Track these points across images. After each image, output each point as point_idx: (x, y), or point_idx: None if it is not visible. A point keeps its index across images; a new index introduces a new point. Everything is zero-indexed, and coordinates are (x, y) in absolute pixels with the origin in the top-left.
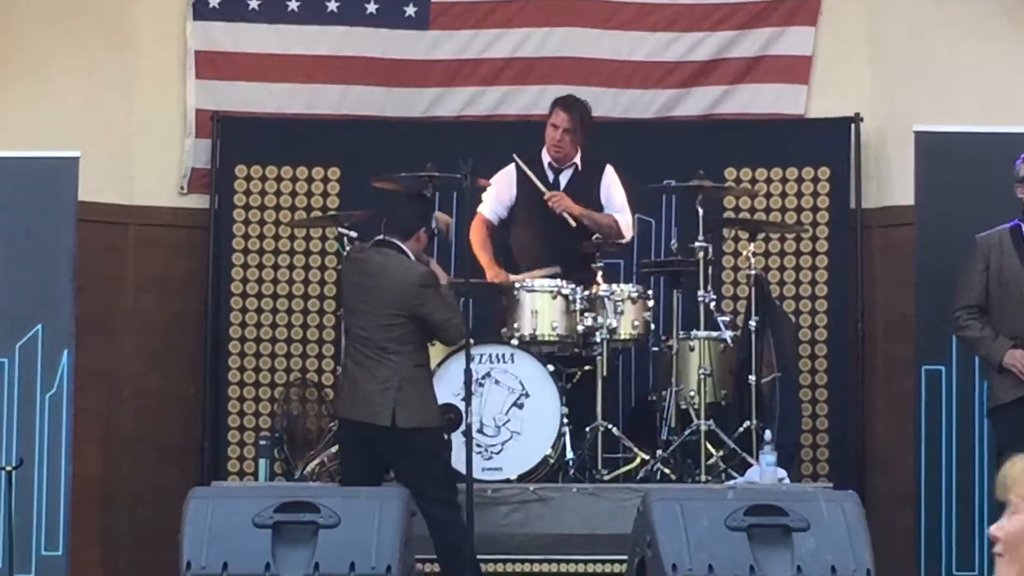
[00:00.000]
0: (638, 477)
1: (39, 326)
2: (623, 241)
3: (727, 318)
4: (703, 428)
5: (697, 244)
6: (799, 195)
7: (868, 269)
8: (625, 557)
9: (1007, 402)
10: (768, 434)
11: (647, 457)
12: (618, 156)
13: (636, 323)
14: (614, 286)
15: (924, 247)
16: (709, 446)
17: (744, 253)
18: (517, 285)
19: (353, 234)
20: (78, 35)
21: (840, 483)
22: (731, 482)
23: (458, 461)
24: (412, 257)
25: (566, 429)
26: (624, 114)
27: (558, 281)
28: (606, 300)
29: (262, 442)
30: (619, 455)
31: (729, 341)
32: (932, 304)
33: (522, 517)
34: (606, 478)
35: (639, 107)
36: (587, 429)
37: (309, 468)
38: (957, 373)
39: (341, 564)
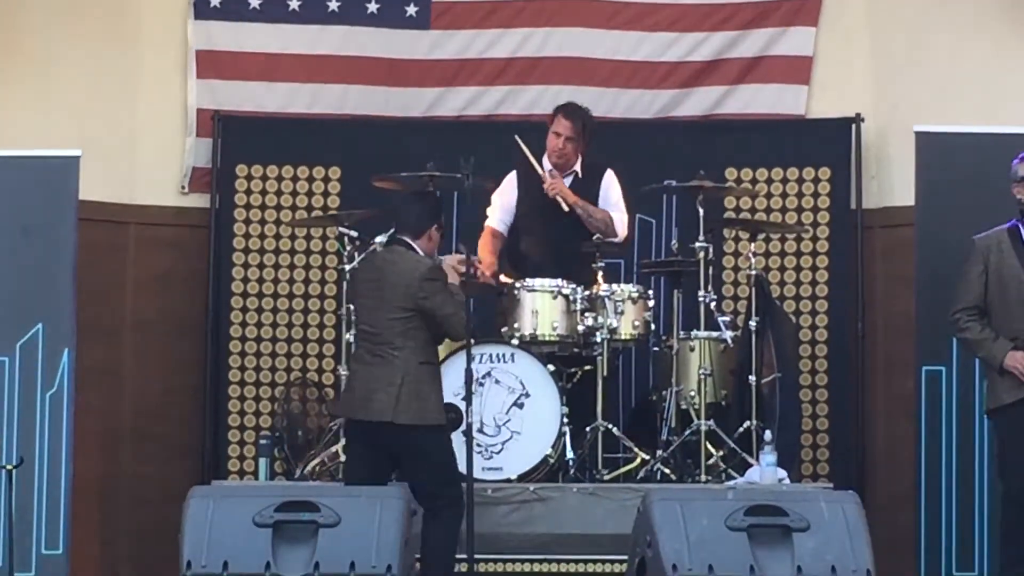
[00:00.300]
0: (638, 477)
1: (40, 325)
2: (617, 240)
3: (727, 318)
4: (703, 428)
5: (698, 244)
6: (800, 195)
7: (868, 269)
8: (625, 557)
9: (1009, 403)
10: (768, 434)
11: (647, 457)
12: (619, 156)
13: (636, 323)
14: (614, 286)
15: (924, 248)
16: (709, 446)
17: (744, 253)
18: (517, 285)
19: (353, 233)
20: (80, 34)
21: (840, 483)
22: (731, 482)
23: (458, 461)
24: (422, 255)
25: (566, 429)
26: (625, 114)
27: (558, 281)
28: (606, 300)
29: (262, 441)
30: (619, 455)
31: (729, 341)
32: (932, 304)
33: (522, 517)
34: (606, 478)
35: (640, 107)
36: (587, 429)
37: (309, 467)
38: (957, 374)
39: (341, 563)
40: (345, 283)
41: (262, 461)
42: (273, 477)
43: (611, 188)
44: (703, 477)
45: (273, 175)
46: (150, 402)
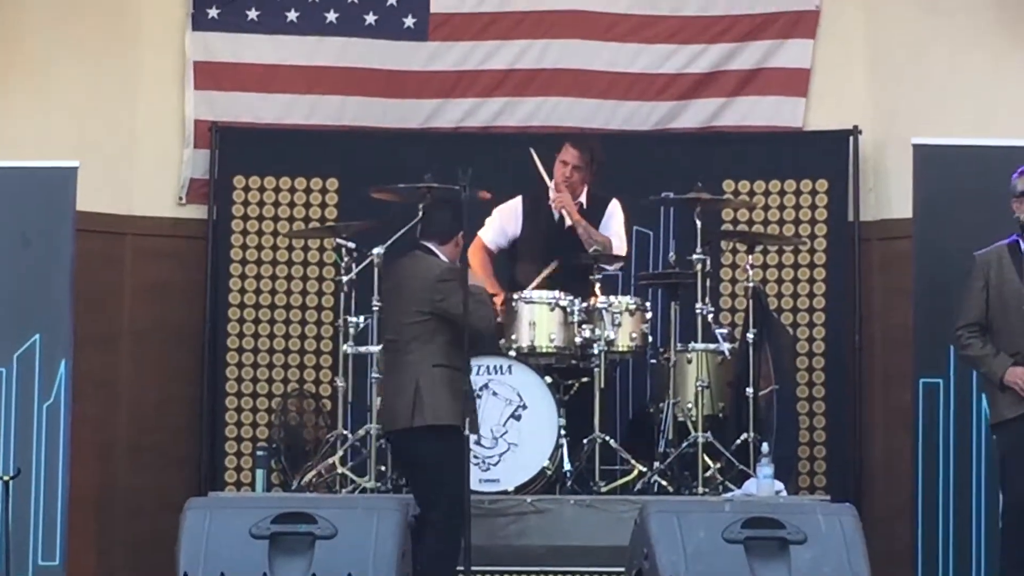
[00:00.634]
0: (635, 489)
1: (37, 336)
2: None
3: (725, 330)
4: (701, 440)
5: (695, 256)
6: (797, 207)
7: (866, 282)
8: (623, 569)
9: (1010, 418)
10: (765, 446)
11: (644, 469)
12: (616, 168)
13: (634, 335)
14: (612, 298)
15: (922, 260)
16: (707, 458)
17: (742, 265)
18: (515, 297)
19: (351, 245)
20: (78, 46)
21: (837, 495)
22: (728, 494)
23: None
24: (445, 260)
25: (564, 441)
26: (623, 126)
27: (556, 293)
28: (604, 312)
29: (259, 452)
30: (616, 467)
31: (727, 353)
32: (930, 317)
33: (519, 529)
34: (603, 490)
35: (638, 119)
36: (585, 441)
37: (306, 479)
38: (955, 386)
39: (338, 575)
40: (343, 295)
41: (259, 472)
42: (270, 488)
43: (613, 217)
44: (700, 489)
45: (271, 186)
46: (147, 413)
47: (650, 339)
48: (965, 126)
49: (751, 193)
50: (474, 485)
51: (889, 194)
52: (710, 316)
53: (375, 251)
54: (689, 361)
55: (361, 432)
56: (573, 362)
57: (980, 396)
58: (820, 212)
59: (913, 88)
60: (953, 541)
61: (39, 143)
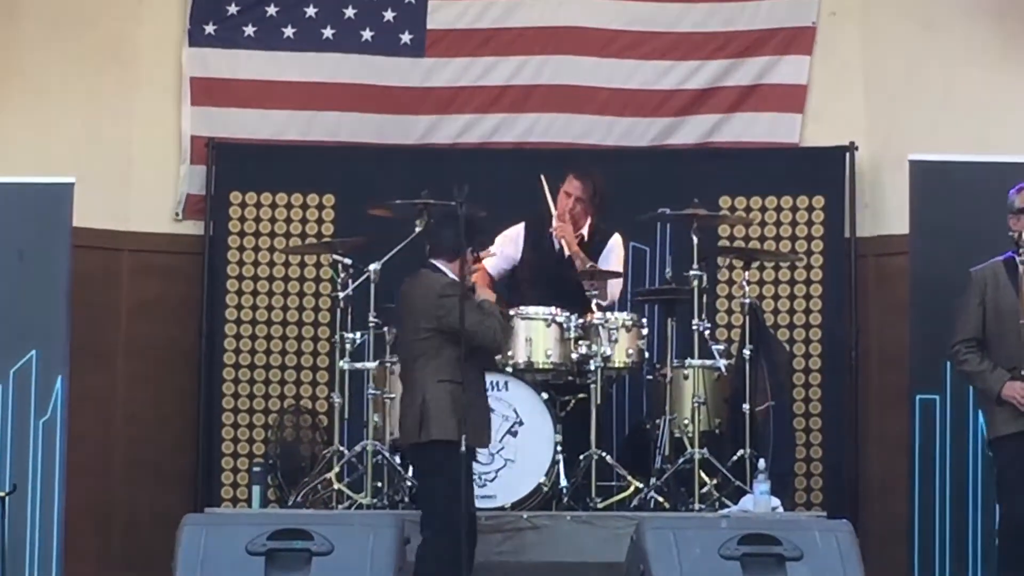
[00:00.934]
0: (632, 505)
1: (33, 352)
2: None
3: (721, 346)
4: (697, 456)
5: (692, 272)
6: (794, 224)
7: (862, 298)
8: None
9: (1007, 433)
10: (762, 463)
11: (641, 485)
12: (613, 184)
13: (630, 351)
14: (608, 314)
15: (918, 276)
16: (703, 474)
17: (738, 281)
18: (512, 312)
19: (348, 261)
20: (76, 62)
21: (834, 512)
22: (725, 511)
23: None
24: (452, 276)
25: (560, 457)
26: (620, 142)
27: (552, 309)
28: (600, 328)
29: (256, 469)
30: (613, 483)
31: (723, 369)
32: (926, 333)
33: (516, 545)
34: (600, 506)
35: (635, 135)
36: (581, 457)
37: (303, 495)
38: (951, 402)
39: None
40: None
41: (255, 489)
42: (266, 505)
43: (613, 251)
44: (697, 505)
45: (267, 202)
46: (143, 429)
47: (647, 355)
48: (961, 142)
49: (748, 209)
50: None
51: (885, 210)
52: (707, 332)
53: (371, 267)
54: (685, 377)
55: (357, 448)
56: (570, 378)
57: (976, 412)
58: (816, 228)
59: (909, 104)
60: (949, 557)
61: (35, 159)
